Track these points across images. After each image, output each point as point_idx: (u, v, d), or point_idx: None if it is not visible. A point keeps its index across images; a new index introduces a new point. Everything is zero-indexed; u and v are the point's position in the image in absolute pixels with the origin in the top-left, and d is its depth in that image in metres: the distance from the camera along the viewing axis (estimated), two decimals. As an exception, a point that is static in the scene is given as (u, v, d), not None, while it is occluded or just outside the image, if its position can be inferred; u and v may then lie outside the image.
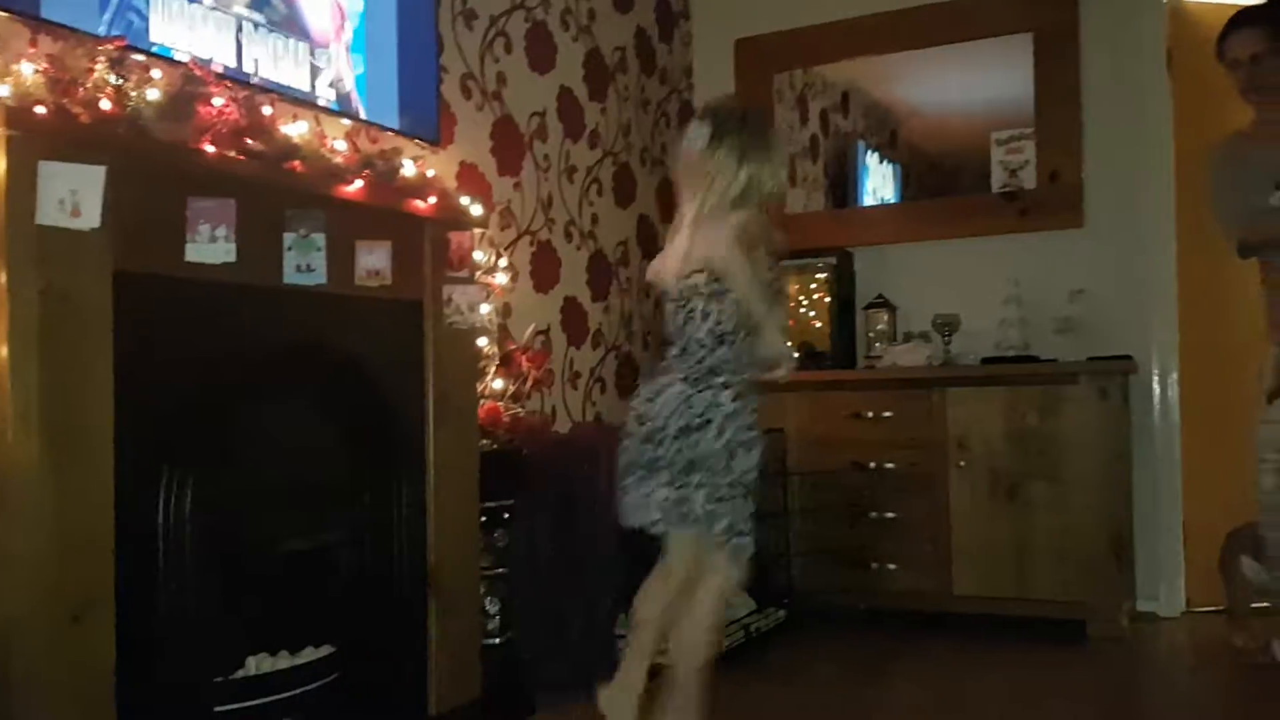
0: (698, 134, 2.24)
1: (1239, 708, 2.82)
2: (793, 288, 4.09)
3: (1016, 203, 4.00)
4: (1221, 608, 3.47)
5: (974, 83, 4.15)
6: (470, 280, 2.73)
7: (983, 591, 3.53)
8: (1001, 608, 3.53)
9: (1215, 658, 3.29)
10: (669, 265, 2.27)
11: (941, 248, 4.10)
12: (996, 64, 4.08)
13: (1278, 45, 2.86)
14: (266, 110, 2.16)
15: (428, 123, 2.73)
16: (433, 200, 2.54)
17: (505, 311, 3.22)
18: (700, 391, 2.16)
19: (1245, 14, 2.93)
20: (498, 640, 2.76)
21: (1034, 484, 3.54)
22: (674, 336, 2.26)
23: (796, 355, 2.36)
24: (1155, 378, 3.83)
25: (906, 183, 4.33)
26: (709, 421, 2.14)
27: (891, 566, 3.68)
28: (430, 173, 2.62)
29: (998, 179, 4.05)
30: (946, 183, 4.19)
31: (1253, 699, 2.84)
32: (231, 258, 2.03)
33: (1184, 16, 3.82)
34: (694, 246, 2.21)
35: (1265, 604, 3.24)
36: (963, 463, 3.59)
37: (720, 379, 2.18)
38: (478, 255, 2.92)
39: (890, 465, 3.69)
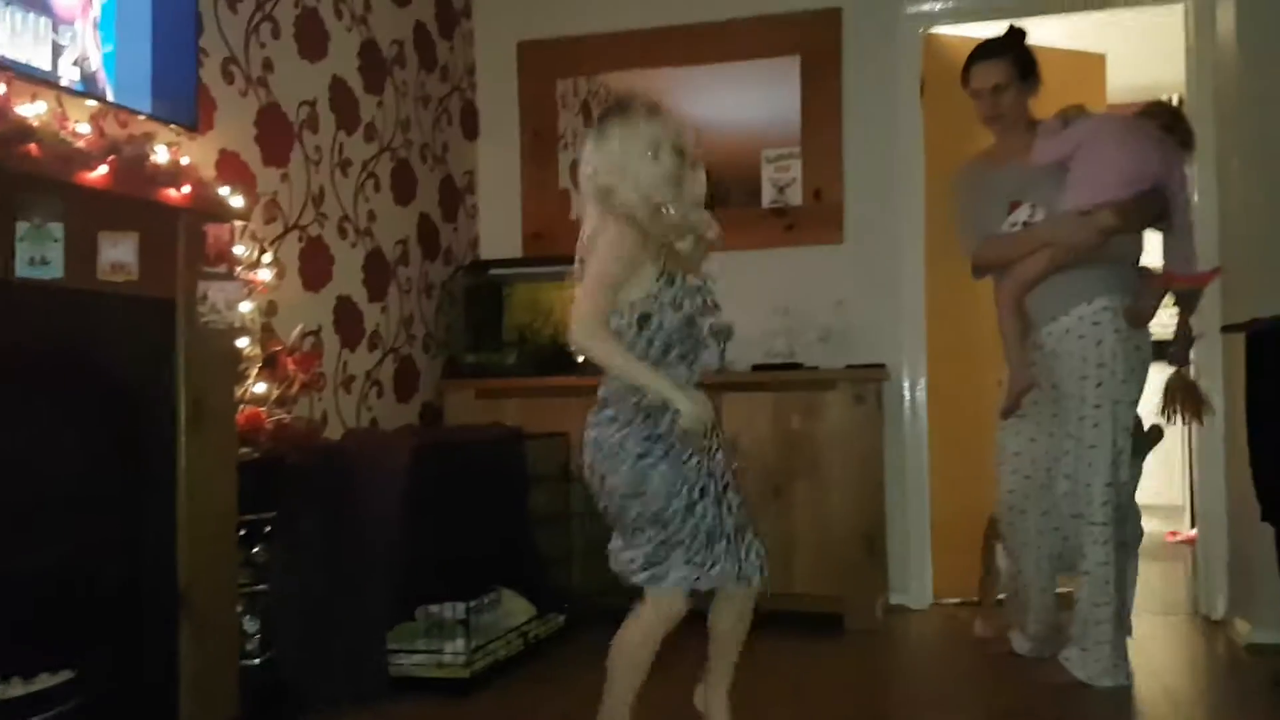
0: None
1: (981, 692, 3.03)
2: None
3: (784, 218, 4.19)
4: (965, 599, 3.74)
5: (749, 101, 4.29)
6: (229, 276, 2.56)
7: (751, 589, 3.65)
8: (769, 602, 3.63)
9: (961, 647, 3.53)
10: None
11: (717, 260, 4.21)
12: (769, 84, 4.24)
13: (1017, 76, 3.10)
14: (-1, 88, 1.97)
15: (184, 107, 2.55)
16: (187, 189, 2.38)
17: (270, 310, 3.05)
18: (598, 434, 2.08)
19: (987, 46, 3.14)
20: (258, 660, 2.62)
21: (797, 484, 3.72)
22: None
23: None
24: (905, 384, 4.09)
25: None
26: (613, 464, 2.06)
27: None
28: (185, 160, 2.45)
29: (768, 195, 4.22)
30: (723, 197, 4.31)
31: (993, 684, 3.07)
32: (-50, 247, 1.84)
33: (937, 46, 4.10)
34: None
35: (1003, 595, 3.52)
36: (736, 464, 3.69)
37: (608, 411, 2.08)
38: (238, 250, 2.75)
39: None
